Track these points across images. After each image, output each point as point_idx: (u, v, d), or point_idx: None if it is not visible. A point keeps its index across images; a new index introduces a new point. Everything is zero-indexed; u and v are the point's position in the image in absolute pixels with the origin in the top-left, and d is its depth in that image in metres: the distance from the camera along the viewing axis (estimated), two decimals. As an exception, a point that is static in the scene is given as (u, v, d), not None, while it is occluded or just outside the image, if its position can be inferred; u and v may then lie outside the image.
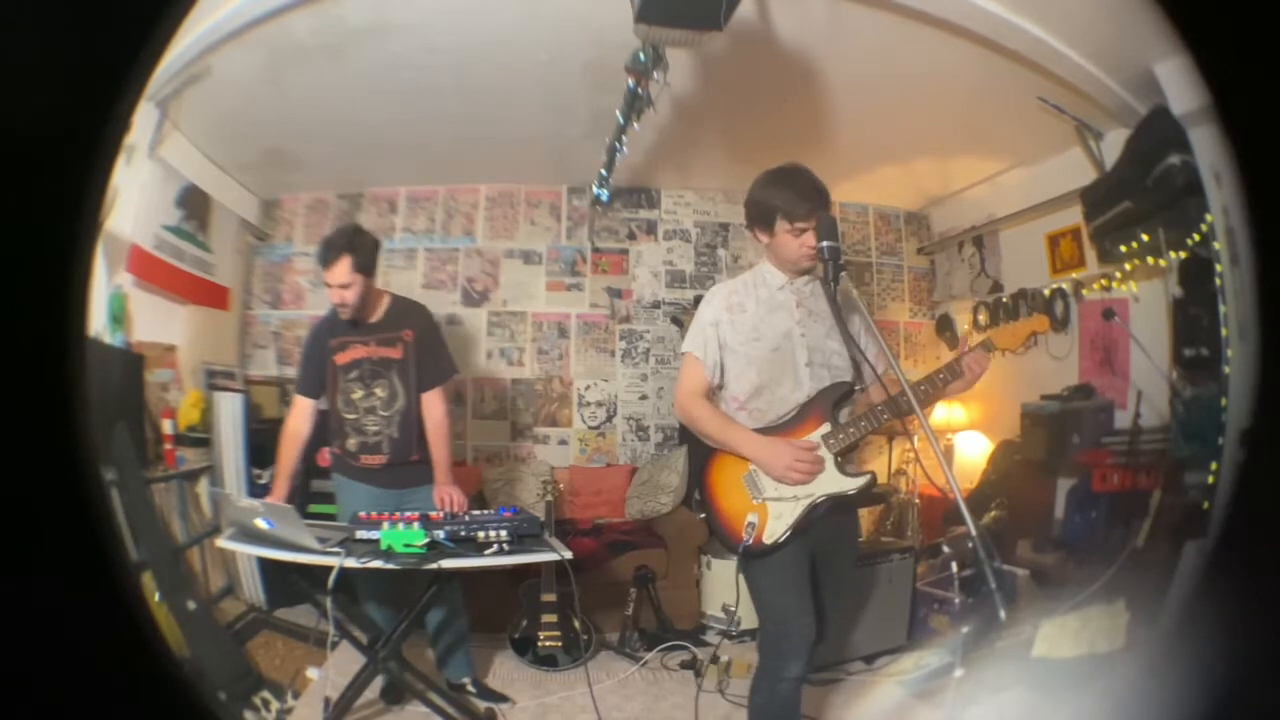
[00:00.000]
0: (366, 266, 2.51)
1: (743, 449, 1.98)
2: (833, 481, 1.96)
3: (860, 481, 1.96)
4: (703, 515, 2.10)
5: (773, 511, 1.94)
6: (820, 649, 2.11)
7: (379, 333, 2.62)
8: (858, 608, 2.91)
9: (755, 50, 2.76)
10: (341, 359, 2.61)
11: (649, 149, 3.56)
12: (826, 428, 1.97)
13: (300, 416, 2.63)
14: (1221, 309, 2.29)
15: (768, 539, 1.93)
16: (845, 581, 2.24)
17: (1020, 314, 3.66)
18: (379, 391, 2.61)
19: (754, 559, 1.96)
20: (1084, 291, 3.32)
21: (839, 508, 1.98)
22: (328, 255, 2.48)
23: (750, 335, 2.02)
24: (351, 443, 2.62)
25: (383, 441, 2.63)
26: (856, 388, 2.04)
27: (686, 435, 4.08)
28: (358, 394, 2.61)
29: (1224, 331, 2.28)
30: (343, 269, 2.46)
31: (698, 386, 2.06)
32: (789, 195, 1.95)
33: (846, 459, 1.99)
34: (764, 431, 1.99)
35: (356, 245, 2.50)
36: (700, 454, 2.10)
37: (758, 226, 2.03)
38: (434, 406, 2.64)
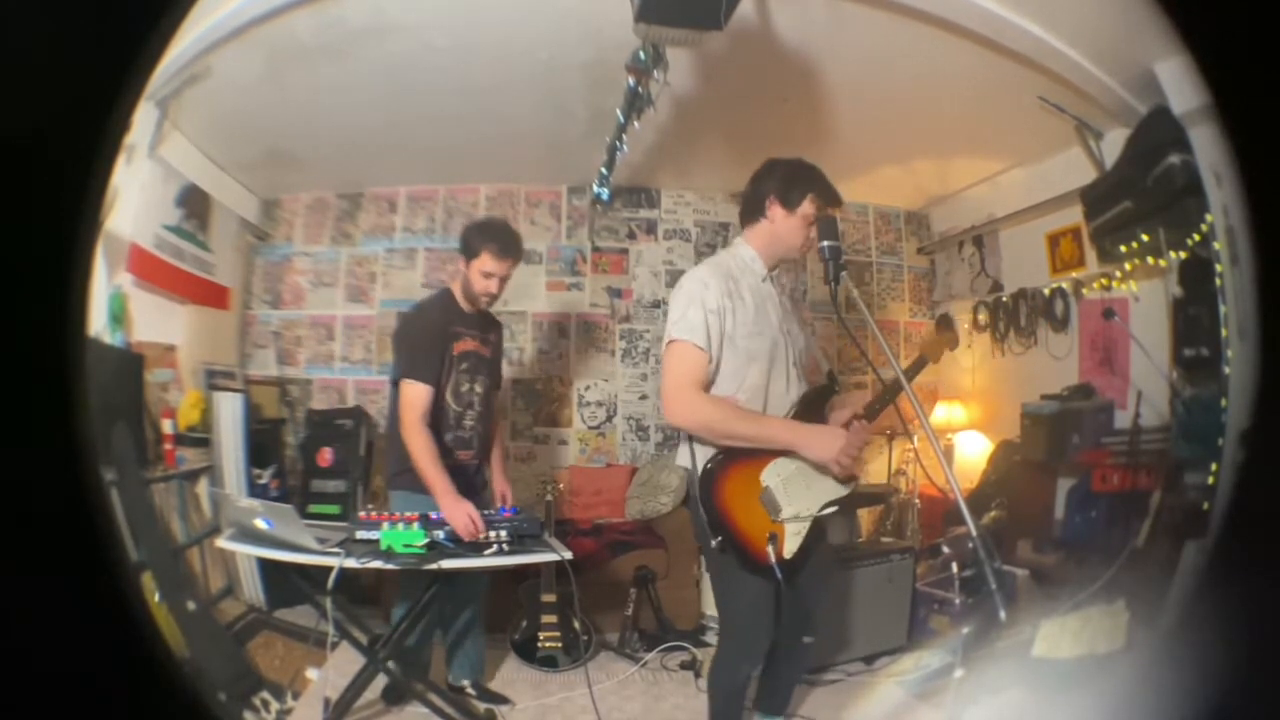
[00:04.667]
0: None
1: (788, 438, 1.86)
2: (830, 489, 1.95)
3: (852, 486, 1.97)
4: (719, 539, 1.88)
5: (790, 529, 1.92)
6: (816, 648, 2.15)
7: (481, 330, 2.67)
8: (858, 608, 2.90)
9: (755, 50, 2.76)
10: (458, 348, 2.60)
11: (649, 148, 3.55)
12: None
13: (425, 408, 2.44)
14: (1221, 309, 2.28)
15: (787, 556, 1.91)
16: (826, 579, 2.25)
17: (1020, 313, 3.66)
18: (477, 387, 2.65)
19: (760, 573, 1.89)
20: (1084, 291, 3.31)
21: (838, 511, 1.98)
22: (512, 250, 2.55)
23: (753, 328, 1.92)
24: (449, 437, 2.58)
25: (474, 437, 2.65)
26: (835, 390, 2.03)
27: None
28: (465, 387, 2.62)
29: (1224, 331, 2.27)
30: (511, 265, 2.57)
31: (698, 379, 1.88)
32: (825, 180, 1.96)
33: None
34: None
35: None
36: (705, 476, 1.90)
37: (778, 199, 1.96)
38: (497, 407, 2.82)
